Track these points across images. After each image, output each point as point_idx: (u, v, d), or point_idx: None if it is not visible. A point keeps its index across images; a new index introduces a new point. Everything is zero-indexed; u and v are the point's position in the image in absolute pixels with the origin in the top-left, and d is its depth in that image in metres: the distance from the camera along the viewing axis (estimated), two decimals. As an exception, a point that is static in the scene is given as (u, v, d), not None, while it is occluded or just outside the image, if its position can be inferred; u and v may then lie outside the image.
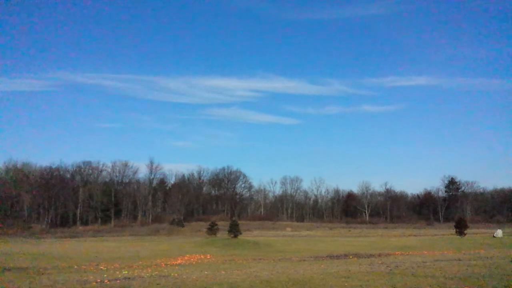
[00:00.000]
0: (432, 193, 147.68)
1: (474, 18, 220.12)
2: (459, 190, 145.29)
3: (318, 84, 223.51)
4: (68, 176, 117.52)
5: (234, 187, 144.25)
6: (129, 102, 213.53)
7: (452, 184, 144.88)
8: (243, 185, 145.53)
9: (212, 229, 68.05)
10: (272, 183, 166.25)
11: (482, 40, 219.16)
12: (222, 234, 65.96)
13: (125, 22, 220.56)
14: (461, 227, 68.87)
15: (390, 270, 18.01)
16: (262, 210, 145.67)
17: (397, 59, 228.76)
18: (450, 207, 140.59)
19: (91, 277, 17.92)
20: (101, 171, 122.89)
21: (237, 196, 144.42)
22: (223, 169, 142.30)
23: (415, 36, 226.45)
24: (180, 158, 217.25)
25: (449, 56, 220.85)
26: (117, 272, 20.10)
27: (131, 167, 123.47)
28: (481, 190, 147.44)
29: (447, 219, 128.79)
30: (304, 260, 28.01)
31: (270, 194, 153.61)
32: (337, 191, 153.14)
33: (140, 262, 28.42)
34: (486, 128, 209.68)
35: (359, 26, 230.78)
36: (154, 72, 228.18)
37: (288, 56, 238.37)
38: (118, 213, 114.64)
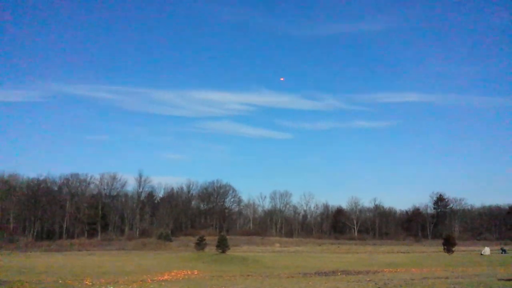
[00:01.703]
0: (421, 209, 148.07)
1: (466, 35, 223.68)
2: (448, 207, 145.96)
3: (311, 99, 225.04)
4: (55, 188, 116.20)
5: (223, 201, 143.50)
6: (121, 114, 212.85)
7: (440, 200, 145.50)
8: (232, 199, 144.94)
9: (200, 244, 67.60)
10: (261, 198, 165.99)
11: (472, 58, 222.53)
12: (210, 249, 65.50)
13: (118, 33, 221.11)
14: (449, 245, 69.09)
15: (378, 287, 17.94)
16: (251, 224, 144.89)
17: (390, 75, 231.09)
18: (439, 224, 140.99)
19: (76, 292, 17.63)
20: (88, 184, 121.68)
21: (226, 211, 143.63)
22: (213, 182, 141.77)
23: (407, 53, 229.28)
24: (170, 171, 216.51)
25: (440, 73, 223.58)
26: (103, 287, 19.80)
27: (120, 179, 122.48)
28: (469, 207, 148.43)
29: (435, 236, 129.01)
30: (292, 277, 27.83)
31: (259, 209, 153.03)
32: (326, 207, 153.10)
33: (126, 277, 28.06)
34: (475, 145, 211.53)
35: (353, 42, 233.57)
36: (147, 84, 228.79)
37: (282, 70, 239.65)
38: (105, 227, 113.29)
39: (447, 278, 23.68)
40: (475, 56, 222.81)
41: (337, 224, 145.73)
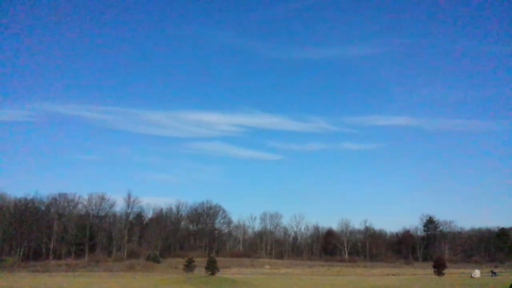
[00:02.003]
0: (411, 231, 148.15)
1: (453, 61, 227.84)
2: (438, 229, 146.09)
3: (301, 120, 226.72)
4: (43, 208, 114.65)
5: (213, 222, 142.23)
6: (110, 134, 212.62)
7: (430, 223, 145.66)
8: (222, 220, 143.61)
9: (189, 266, 66.81)
10: (251, 219, 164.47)
11: (459, 83, 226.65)
12: (199, 271, 64.77)
13: (109, 53, 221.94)
14: (439, 267, 69.02)
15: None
16: (241, 246, 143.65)
17: (379, 99, 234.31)
18: (429, 246, 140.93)
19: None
20: (76, 204, 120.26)
21: (216, 232, 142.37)
22: (202, 203, 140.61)
23: (396, 77, 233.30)
24: (159, 192, 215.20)
25: (428, 98, 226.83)
26: (89, 311, 19.42)
27: (108, 200, 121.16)
28: (459, 229, 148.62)
29: (425, 258, 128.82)
30: (282, 300, 27.52)
31: (250, 230, 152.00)
32: (316, 228, 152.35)
33: (113, 300, 27.56)
34: (464, 168, 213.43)
35: (343, 66, 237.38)
36: (137, 104, 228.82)
37: (272, 92, 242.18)
38: (92, 247, 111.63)
39: (437, 301, 23.53)
40: (462, 81, 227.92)
41: (328, 246, 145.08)
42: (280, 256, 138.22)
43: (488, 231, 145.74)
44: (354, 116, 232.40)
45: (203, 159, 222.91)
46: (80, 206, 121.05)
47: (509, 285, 19.82)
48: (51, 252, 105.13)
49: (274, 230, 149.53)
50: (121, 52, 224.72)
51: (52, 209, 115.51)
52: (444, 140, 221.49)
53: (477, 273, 68.48)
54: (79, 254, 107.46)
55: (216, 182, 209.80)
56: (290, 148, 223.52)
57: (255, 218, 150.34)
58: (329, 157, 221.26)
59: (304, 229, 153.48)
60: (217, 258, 75.57)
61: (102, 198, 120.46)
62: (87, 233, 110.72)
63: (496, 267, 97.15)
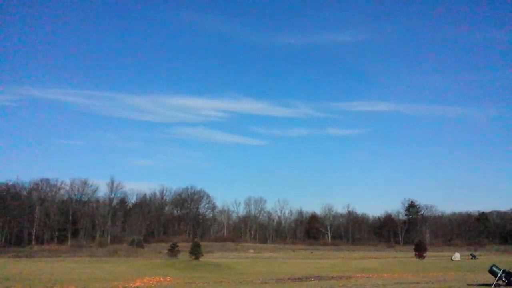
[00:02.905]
0: (393, 216, 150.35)
1: (435, 47, 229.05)
2: (419, 214, 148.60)
3: (285, 106, 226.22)
4: (25, 193, 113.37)
5: (197, 207, 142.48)
6: (93, 119, 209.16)
7: (412, 207, 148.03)
8: (206, 205, 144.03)
9: (173, 251, 66.91)
10: (236, 204, 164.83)
11: (441, 69, 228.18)
12: (184, 256, 64.89)
13: (91, 37, 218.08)
14: (420, 250, 70.30)
15: (351, 293, 18.01)
16: (225, 231, 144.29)
17: (362, 85, 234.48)
18: (410, 230, 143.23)
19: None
20: (59, 189, 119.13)
21: (200, 217, 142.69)
22: (186, 188, 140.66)
23: (379, 64, 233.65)
24: (143, 177, 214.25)
25: (410, 84, 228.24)
26: (71, 295, 19.32)
27: (91, 185, 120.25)
28: (440, 213, 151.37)
29: (407, 242, 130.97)
30: (266, 283, 27.75)
31: (234, 215, 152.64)
32: (300, 213, 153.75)
33: (97, 284, 27.49)
34: (445, 154, 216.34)
35: (327, 52, 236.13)
36: (120, 89, 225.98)
37: (256, 78, 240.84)
38: (75, 233, 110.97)
39: (418, 283, 23.97)
40: (444, 67, 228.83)
41: (311, 230, 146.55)
42: (264, 240, 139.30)
43: (468, 215, 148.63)
44: (338, 101, 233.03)
45: (187, 144, 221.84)
46: (62, 191, 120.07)
47: (488, 267, 20.17)
48: (33, 237, 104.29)
49: (258, 215, 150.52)
50: (104, 36, 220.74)
51: (34, 195, 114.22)
52: (426, 126, 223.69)
53: (457, 256, 69.81)
54: (62, 240, 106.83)
55: (200, 168, 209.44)
56: (274, 134, 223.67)
57: (239, 203, 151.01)
58: (313, 142, 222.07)
59: (288, 213, 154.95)
60: (202, 243, 75.80)
61: (85, 183, 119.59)
62: (70, 218, 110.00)
63: (475, 250, 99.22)
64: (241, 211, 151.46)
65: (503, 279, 18.83)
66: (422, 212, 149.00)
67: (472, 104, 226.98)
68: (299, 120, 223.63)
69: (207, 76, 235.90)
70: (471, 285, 20.96)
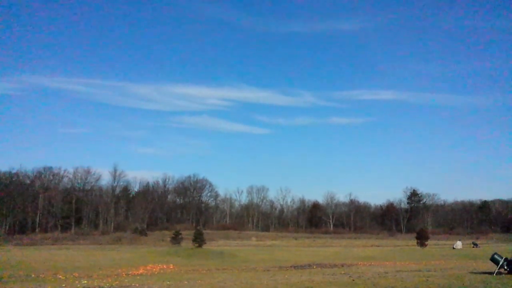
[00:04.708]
0: (395, 204, 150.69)
1: (441, 35, 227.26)
2: (421, 202, 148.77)
3: (289, 95, 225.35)
4: (28, 181, 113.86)
5: (200, 196, 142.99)
6: (97, 107, 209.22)
7: (414, 196, 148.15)
8: (209, 194, 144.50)
9: (176, 238, 67.23)
10: (238, 192, 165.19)
11: (447, 57, 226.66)
12: (186, 244, 65.27)
13: (95, 26, 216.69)
14: (422, 239, 70.48)
15: (353, 280, 18.14)
16: (227, 219, 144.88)
17: (367, 73, 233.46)
18: (412, 219, 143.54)
19: (49, 286, 17.34)
20: (62, 177, 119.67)
21: (203, 205, 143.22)
22: (189, 177, 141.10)
23: (384, 52, 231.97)
24: (146, 166, 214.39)
25: (415, 72, 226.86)
26: (76, 282, 19.50)
27: (94, 173, 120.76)
28: (442, 202, 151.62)
29: (409, 230, 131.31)
30: (268, 270, 27.93)
31: (236, 203, 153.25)
32: (302, 201, 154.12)
33: (101, 272, 27.73)
34: (448, 142, 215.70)
35: (331, 40, 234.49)
36: (123, 77, 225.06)
37: (260, 66, 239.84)
38: (79, 221, 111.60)
39: (419, 271, 24.10)
40: (450, 56, 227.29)
41: (313, 219, 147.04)
42: (266, 228, 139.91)
43: (471, 203, 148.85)
44: (342, 90, 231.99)
45: (191, 133, 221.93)
46: (65, 179, 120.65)
47: (490, 256, 20.24)
48: (37, 225, 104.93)
49: (260, 203, 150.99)
50: (108, 24, 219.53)
51: (37, 183, 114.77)
52: (429, 114, 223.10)
53: (459, 244, 70.01)
54: (65, 228, 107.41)
55: (203, 156, 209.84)
56: (278, 123, 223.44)
57: (242, 192, 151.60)
58: (317, 131, 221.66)
59: (290, 202, 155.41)
60: (204, 231, 76.20)
61: (88, 172, 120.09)
62: (73, 206, 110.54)
63: (477, 238, 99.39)
64: (244, 199, 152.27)
65: (505, 267, 18.91)
66: (424, 201, 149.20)
67: (476, 92, 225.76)
68: (303, 109, 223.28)
69: (211, 65, 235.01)
70: (472, 273, 21.07)
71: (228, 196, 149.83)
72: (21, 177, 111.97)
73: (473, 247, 71.12)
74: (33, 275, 24.35)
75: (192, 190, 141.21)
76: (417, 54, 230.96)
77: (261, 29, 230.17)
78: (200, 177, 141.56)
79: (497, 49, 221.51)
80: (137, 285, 17.54)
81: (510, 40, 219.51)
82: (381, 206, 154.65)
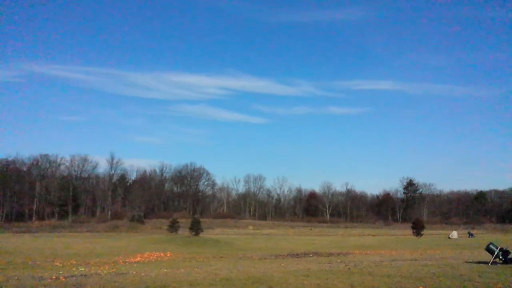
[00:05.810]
0: (391, 194, 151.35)
1: (439, 26, 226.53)
2: (417, 192, 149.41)
3: (287, 84, 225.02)
4: (25, 169, 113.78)
5: (197, 184, 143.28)
6: (94, 95, 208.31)
7: (410, 185, 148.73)
8: (206, 183, 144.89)
9: (173, 226, 67.33)
10: (235, 181, 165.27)
11: (444, 48, 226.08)
12: (183, 232, 65.42)
13: (93, 13, 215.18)
14: (418, 228, 70.78)
15: (349, 269, 18.23)
16: (224, 208, 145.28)
17: (365, 64, 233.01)
18: (408, 208, 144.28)
19: (46, 273, 17.34)
20: (59, 165, 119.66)
21: (200, 194, 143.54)
22: (186, 165, 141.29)
23: (382, 42, 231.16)
24: (143, 154, 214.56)
25: (413, 62, 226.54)
26: (73, 269, 19.54)
27: (91, 161, 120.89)
28: (438, 192, 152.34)
29: (405, 220, 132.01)
30: (265, 259, 28.05)
31: (233, 192, 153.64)
32: (299, 190, 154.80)
33: (98, 259, 27.78)
34: (445, 133, 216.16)
35: (330, 30, 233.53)
36: (121, 66, 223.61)
37: (258, 55, 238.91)
38: (76, 209, 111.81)
39: (415, 260, 24.24)
40: (448, 46, 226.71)
41: (310, 208, 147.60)
42: (263, 217, 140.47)
43: (467, 193, 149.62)
44: (341, 80, 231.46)
45: (188, 121, 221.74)
46: (62, 167, 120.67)
47: (485, 246, 20.37)
48: (34, 213, 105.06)
49: (257, 192, 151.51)
50: (106, 12, 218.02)
51: (34, 171, 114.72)
52: (426, 105, 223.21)
53: (454, 234, 70.41)
54: (62, 215, 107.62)
55: (200, 145, 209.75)
56: (276, 112, 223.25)
57: (239, 181, 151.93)
58: (315, 121, 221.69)
59: (287, 191, 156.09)
60: (201, 219, 76.31)
61: (85, 160, 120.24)
62: (70, 194, 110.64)
63: (473, 228, 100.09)
64: (241, 188, 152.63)
65: (500, 257, 19.03)
66: (420, 190, 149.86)
67: (472, 83, 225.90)
68: (301, 99, 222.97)
69: (210, 54, 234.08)
70: (468, 262, 21.20)
71: (225, 185, 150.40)
72: (18, 165, 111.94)
73: (469, 237, 71.53)
74: (30, 263, 24.39)
75: (189, 179, 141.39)
76: (415, 44, 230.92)
77: (260, 19, 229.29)
78: (198, 165, 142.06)
79: (496, 40, 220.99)
80: (134, 272, 17.59)
81: (508, 31, 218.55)
82: (377, 196, 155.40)
